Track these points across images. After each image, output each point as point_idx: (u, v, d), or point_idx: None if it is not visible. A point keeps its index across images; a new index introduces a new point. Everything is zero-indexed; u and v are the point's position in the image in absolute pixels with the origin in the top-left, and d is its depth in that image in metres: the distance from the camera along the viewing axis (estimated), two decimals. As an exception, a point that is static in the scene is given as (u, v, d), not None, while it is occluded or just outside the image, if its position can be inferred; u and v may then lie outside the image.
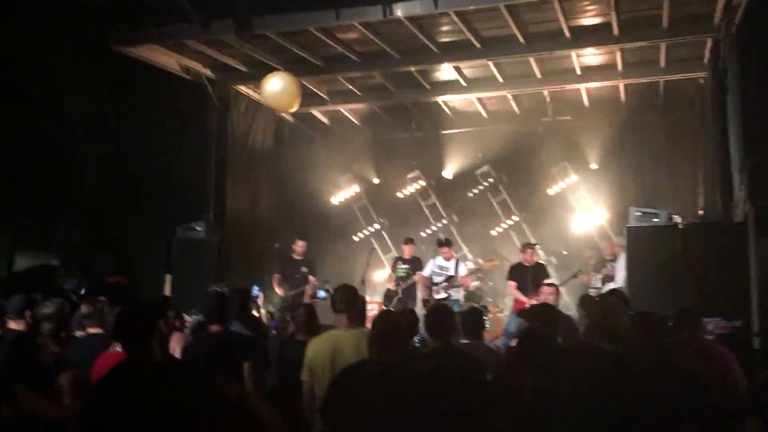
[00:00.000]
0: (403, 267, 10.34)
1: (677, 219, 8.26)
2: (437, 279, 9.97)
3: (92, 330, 5.00)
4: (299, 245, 10.47)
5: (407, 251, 10.53)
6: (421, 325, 5.08)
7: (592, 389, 1.30)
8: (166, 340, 3.68)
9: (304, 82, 11.09)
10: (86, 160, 11.10)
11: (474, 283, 11.33)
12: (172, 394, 3.10)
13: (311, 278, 10.19)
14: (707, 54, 9.37)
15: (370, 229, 13.53)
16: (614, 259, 10.07)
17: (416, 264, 10.35)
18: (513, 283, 9.60)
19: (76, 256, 11.11)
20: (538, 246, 10.67)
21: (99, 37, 9.10)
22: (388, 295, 10.29)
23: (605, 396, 1.30)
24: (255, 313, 7.21)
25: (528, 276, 9.40)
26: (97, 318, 5.00)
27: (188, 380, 3.35)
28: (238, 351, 4.15)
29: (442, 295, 9.75)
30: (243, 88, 11.21)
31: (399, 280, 10.29)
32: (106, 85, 10.42)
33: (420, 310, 8.84)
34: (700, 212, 10.22)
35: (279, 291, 10.24)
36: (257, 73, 10.56)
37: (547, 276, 9.66)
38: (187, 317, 6.45)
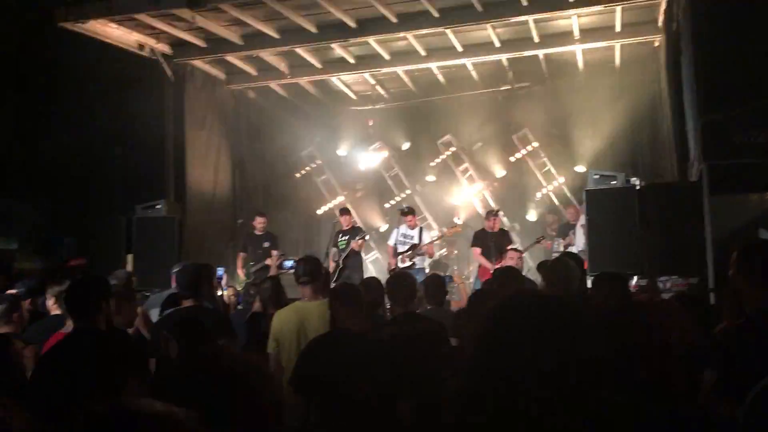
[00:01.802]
0: (343, 239, 10.18)
1: (635, 181, 8.39)
2: (401, 248, 9.98)
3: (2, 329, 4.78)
4: (259, 221, 10.40)
5: (345, 222, 10.40)
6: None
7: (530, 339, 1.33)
8: (112, 314, 3.67)
9: (262, 56, 10.96)
10: (42, 141, 10.84)
11: (440, 252, 11.42)
12: (112, 360, 3.16)
13: (274, 252, 10.13)
14: (661, 17, 9.48)
15: (334, 202, 13.51)
16: (574, 224, 10.24)
17: (356, 233, 10.23)
18: (477, 250, 9.69)
19: (36, 239, 10.90)
20: (501, 213, 10.78)
21: (47, 15, 8.85)
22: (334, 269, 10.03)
23: (544, 343, 1.33)
24: (219, 292, 7.19)
25: (491, 242, 9.50)
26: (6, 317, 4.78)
27: (130, 349, 3.42)
28: (215, 326, 4.18)
29: (407, 263, 9.78)
30: (199, 63, 11.01)
31: (340, 252, 10.13)
32: (59, 65, 10.16)
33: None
34: (658, 173, 10.41)
35: (240, 272, 10.17)
36: (213, 47, 10.41)
37: (510, 242, 9.78)
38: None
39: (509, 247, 9.33)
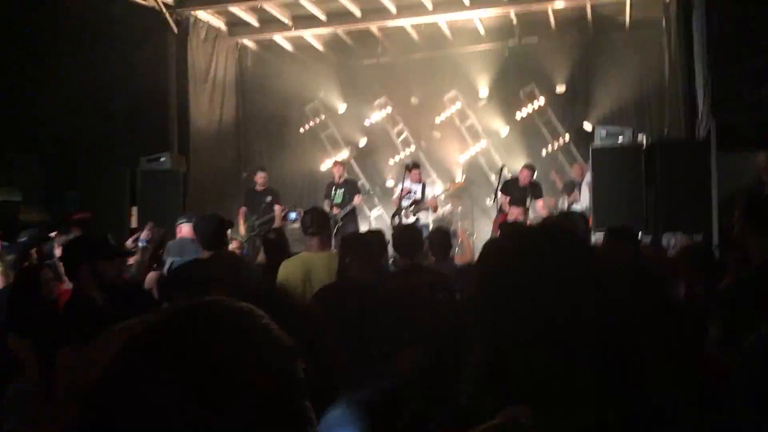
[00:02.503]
0: (337, 192, 10.04)
1: (642, 137, 8.34)
2: (405, 203, 9.94)
3: None
4: (260, 176, 10.35)
5: (337, 173, 10.31)
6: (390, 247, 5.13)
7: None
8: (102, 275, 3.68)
9: (266, 7, 10.79)
10: (44, 94, 10.75)
11: (444, 208, 11.41)
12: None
13: (277, 206, 10.11)
14: (673, -30, 9.29)
15: (337, 157, 13.43)
16: (581, 181, 10.21)
17: (351, 187, 10.14)
18: (506, 198, 9.72)
19: (39, 192, 10.89)
20: (505, 169, 10.72)
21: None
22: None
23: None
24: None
25: (517, 194, 9.51)
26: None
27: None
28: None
29: (411, 219, 9.77)
30: (203, 14, 10.86)
31: (336, 206, 9.97)
32: (59, 17, 10.01)
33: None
34: (666, 130, 10.33)
35: (241, 227, 10.15)
36: (216, -3, 10.27)
37: (539, 195, 9.76)
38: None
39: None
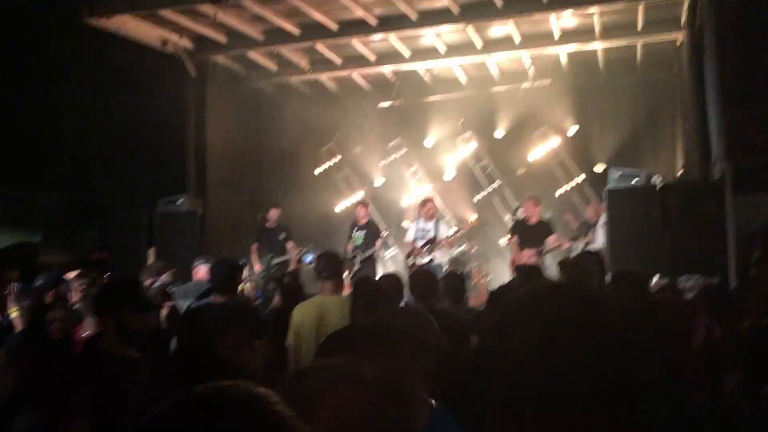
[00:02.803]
0: (358, 234, 9.91)
1: (657, 179, 8.34)
2: (420, 243, 9.79)
3: None
4: (272, 213, 10.34)
5: (361, 215, 10.11)
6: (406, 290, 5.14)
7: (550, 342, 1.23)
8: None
9: (283, 52, 11.01)
10: (65, 134, 11.00)
11: (459, 249, 11.39)
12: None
13: (290, 243, 10.07)
14: (684, 15, 9.40)
15: (352, 200, 13.51)
16: (596, 222, 10.17)
17: (373, 230, 10.00)
18: (514, 238, 9.70)
19: (58, 232, 11.04)
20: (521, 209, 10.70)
21: (71, 12, 8.97)
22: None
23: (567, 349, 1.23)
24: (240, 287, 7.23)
25: (529, 234, 9.45)
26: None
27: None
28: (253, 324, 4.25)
29: (426, 259, 9.69)
30: (221, 59, 11.09)
31: (356, 249, 9.84)
32: (83, 58, 10.28)
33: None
34: (680, 172, 10.33)
35: (256, 266, 10.13)
36: (235, 43, 10.49)
37: (549, 233, 9.67)
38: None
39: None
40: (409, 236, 10.02)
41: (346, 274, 5.67)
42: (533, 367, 1.21)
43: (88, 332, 4.23)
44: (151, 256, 8.98)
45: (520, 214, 10.30)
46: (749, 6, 7.54)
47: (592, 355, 1.21)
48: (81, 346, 3.85)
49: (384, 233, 10.41)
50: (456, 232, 10.57)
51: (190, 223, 9.27)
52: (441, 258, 9.87)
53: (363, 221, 10.08)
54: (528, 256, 8.77)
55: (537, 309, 1.26)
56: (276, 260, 9.94)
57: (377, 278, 8.17)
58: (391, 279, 5.25)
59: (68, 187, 11.09)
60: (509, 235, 9.83)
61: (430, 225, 9.83)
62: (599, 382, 1.19)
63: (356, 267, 9.60)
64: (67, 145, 10.83)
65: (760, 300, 3.62)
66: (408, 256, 9.84)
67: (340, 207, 13.52)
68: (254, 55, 11.05)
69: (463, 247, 11.51)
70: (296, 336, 4.63)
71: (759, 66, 7.23)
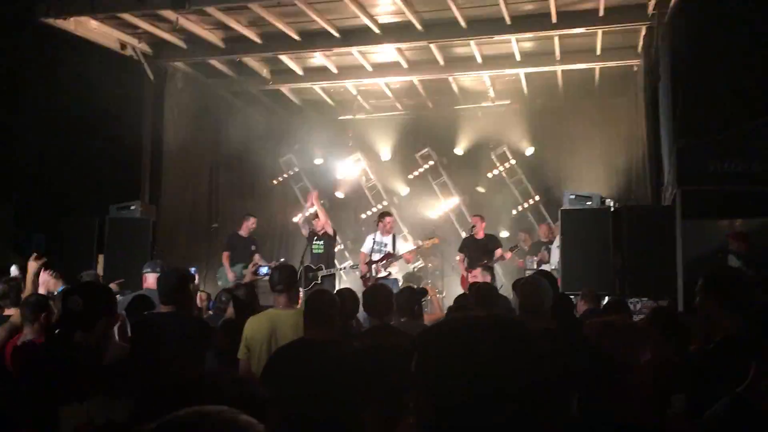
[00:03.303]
0: (318, 242, 9.79)
1: (610, 202, 8.50)
2: (376, 256, 9.78)
3: (8, 311, 4.77)
4: (251, 221, 10.32)
5: (318, 225, 9.87)
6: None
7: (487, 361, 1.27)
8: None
9: (244, 60, 10.91)
10: (16, 136, 10.67)
11: (414, 264, 11.40)
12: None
13: (257, 256, 10.01)
14: (641, 42, 9.64)
15: (310, 210, 13.41)
16: (551, 242, 10.33)
17: (329, 239, 9.85)
18: (460, 256, 10.14)
19: (5, 235, 10.69)
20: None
21: (27, 10, 8.74)
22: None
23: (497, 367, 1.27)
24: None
25: (474, 249, 9.77)
26: (14, 297, 4.80)
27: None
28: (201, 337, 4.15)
29: (383, 273, 9.62)
30: (180, 65, 10.94)
31: (317, 259, 9.71)
32: (35, 60, 10.02)
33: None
34: (632, 196, 10.55)
35: (230, 274, 9.96)
36: (195, 50, 10.36)
37: (497, 245, 10.25)
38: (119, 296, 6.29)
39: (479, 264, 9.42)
40: (366, 248, 9.93)
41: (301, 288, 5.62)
42: (453, 397, 1.25)
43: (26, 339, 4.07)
44: (100, 262, 8.76)
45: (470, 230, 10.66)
46: (703, 36, 7.78)
47: (508, 386, 1.25)
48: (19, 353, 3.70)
49: (340, 245, 10.37)
50: (416, 249, 10.59)
51: (142, 230, 9.07)
52: (397, 273, 9.86)
53: (320, 231, 9.93)
54: (478, 275, 8.85)
55: (460, 339, 1.31)
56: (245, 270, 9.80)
57: (333, 293, 8.11)
58: (345, 294, 5.21)
59: (18, 191, 10.75)
60: (460, 254, 10.21)
61: (388, 239, 9.80)
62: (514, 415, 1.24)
63: (317, 282, 9.47)
64: (16, 146, 10.50)
65: (705, 325, 3.69)
66: (365, 271, 9.76)
67: (297, 217, 13.41)
68: (215, 61, 10.93)
69: (419, 263, 11.53)
70: (247, 350, 4.54)
71: (711, 94, 7.45)
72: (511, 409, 1.23)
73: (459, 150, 12.71)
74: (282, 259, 10.71)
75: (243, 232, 10.36)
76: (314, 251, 9.86)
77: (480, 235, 10.40)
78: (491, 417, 1.22)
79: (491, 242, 10.36)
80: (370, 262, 9.72)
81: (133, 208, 9.23)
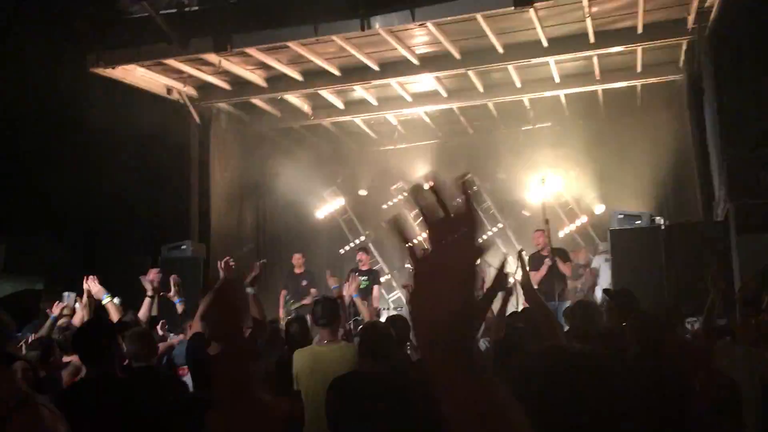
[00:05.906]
0: (363, 279, 9.77)
1: (660, 220, 8.34)
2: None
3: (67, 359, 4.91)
4: (296, 258, 10.47)
5: (362, 259, 10.16)
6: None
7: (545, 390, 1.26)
8: (123, 356, 3.70)
9: (286, 97, 11.13)
10: (70, 179, 11.01)
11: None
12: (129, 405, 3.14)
13: (313, 290, 10.10)
14: (682, 56, 9.51)
15: (356, 241, 13.48)
16: (587, 265, 10.12)
17: (374, 276, 10.10)
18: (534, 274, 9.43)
19: (61, 278, 10.98)
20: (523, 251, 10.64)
21: (78, 59, 9.09)
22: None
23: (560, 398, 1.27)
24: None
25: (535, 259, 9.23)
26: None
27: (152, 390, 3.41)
28: None
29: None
30: (225, 106, 11.21)
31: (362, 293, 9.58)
32: (86, 105, 10.38)
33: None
34: (683, 214, 10.32)
35: (280, 311, 10.08)
36: (238, 90, 10.62)
37: (567, 258, 9.43)
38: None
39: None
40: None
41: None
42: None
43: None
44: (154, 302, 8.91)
45: (525, 255, 10.18)
46: (746, 47, 7.63)
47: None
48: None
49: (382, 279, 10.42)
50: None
51: (193, 269, 9.25)
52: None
53: (364, 267, 10.07)
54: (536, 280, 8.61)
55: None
56: (296, 305, 9.92)
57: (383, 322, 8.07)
58: (397, 321, 5.18)
59: (73, 234, 11.07)
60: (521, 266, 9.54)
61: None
62: None
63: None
64: (70, 190, 10.83)
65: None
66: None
67: (344, 249, 13.51)
68: (257, 100, 11.17)
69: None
70: (297, 382, 4.58)
71: (757, 106, 7.29)
72: None
73: (503, 174, 12.65)
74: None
75: (295, 269, 10.51)
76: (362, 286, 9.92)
77: (544, 252, 9.37)
78: None
79: (559, 254, 9.34)
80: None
81: (183, 247, 9.42)
